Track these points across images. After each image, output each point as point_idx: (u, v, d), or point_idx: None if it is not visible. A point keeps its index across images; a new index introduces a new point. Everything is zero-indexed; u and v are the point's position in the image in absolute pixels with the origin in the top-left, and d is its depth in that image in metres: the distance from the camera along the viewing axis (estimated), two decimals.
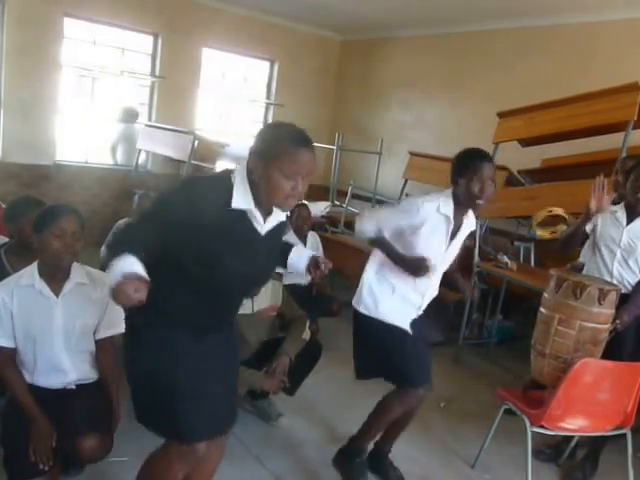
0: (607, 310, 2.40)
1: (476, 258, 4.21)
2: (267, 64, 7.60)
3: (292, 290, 3.33)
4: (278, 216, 1.72)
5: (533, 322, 2.60)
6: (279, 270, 3.95)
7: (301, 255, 1.96)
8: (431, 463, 2.85)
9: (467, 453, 2.95)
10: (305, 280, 4.23)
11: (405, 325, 2.38)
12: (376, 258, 2.44)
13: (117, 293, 1.38)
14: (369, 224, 2.41)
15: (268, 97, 7.69)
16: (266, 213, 1.68)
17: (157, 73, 6.60)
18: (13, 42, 5.66)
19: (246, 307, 2.77)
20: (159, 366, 1.67)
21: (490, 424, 2.75)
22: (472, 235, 4.51)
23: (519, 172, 4.87)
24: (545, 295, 2.54)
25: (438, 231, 2.30)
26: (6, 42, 5.66)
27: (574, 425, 2.51)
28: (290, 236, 4.23)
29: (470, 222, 2.42)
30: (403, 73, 6.99)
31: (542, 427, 2.46)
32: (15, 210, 2.63)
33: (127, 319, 1.78)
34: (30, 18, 5.66)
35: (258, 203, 1.63)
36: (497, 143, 4.37)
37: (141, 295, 1.39)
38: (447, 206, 2.29)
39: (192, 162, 5.82)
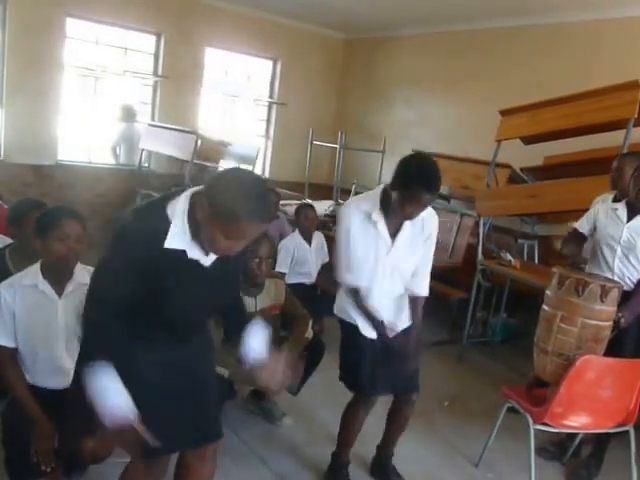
0: (609, 307, 2.40)
1: (479, 256, 4.21)
2: (270, 63, 7.60)
3: (296, 289, 3.33)
4: None
5: (537, 320, 2.60)
6: (283, 270, 4.03)
7: (257, 344, 1.82)
8: (435, 462, 2.85)
9: (471, 451, 2.95)
10: (310, 280, 4.25)
11: (365, 329, 2.36)
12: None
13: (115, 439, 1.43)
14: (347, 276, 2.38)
15: (271, 96, 7.69)
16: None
17: (160, 73, 6.61)
18: (15, 42, 5.67)
19: (249, 305, 2.77)
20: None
21: (494, 422, 2.75)
22: (474, 233, 4.54)
23: (522, 170, 4.86)
24: (548, 293, 2.54)
25: (372, 233, 2.27)
26: (8, 42, 5.67)
27: (577, 422, 2.51)
28: (295, 236, 4.25)
29: (424, 219, 2.30)
30: (406, 71, 6.98)
31: (545, 424, 2.46)
32: (18, 213, 2.64)
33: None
34: (32, 18, 5.67)
35: (197, 239, 1.56)
36: (499, 141, 4.37)
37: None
38: (371, 208, 2.25)
39: (195, 161, 5.83)
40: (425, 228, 2.34)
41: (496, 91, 5.65)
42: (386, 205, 2.24)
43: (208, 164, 5.98)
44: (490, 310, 4.71)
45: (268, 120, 7.78)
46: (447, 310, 4.93)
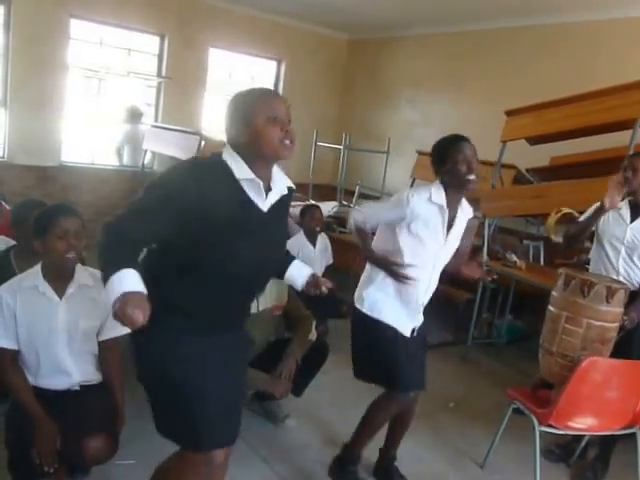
0: (615, 308, 2.38)
1: (485, 257, 4.18)
2: (274, 64, 7.61)
3: (300, 291, 3.32)
4: (279, 189, 1.65)
5: (543, 321, 2.58)
6: None
7: (301, 271, 1.92)
8: (440, 463, 2.83)
9: (476, 453, 2.93)
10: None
11: (403, 327, 2.32)
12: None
13: (121, 317, 1.34)
14: (357, 215, 2.41)
15: None
16: (266, 187, 1.61)
17: (163, 74, 6.62)
18: (19, 43, 5.69)
19: (251, 306, 2.76)
20: (173, 372, 1.59)
21: (499, 424, 2.73)
22: (479, 233, 4.52)
23: (527, 170, 4.84)
24: (553, 293, 2.52)
25: (433, 222, 2.23)
26: (12, 44, 5.69)
27: (582, 424, 2.49)
28: (300, 237, 4.23)
29: (466, 211, 2.36)
30: (410, 72, 6.96)
31: (550, 426, 2.44)
32: (20, 215, 2.65)
33: None
34: (36, 19, 5.69)
35: (256, 172, 1.57)
36: (505, 141, 4.34)
37: (145, 318, 1.35)
38: (439, 195, 2.23)
39: None
40: (464, 224, 2.40)
41: (500, 91, 5.64)
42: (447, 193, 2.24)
43: None
44: (495, 311, 4.68)
45: None
46: (452, 311, 4.90)
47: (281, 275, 1.91)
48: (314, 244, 4.24)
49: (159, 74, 6.65)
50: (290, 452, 2.77)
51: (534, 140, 4.49)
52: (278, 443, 2.84)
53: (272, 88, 1.72)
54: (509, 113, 4.35)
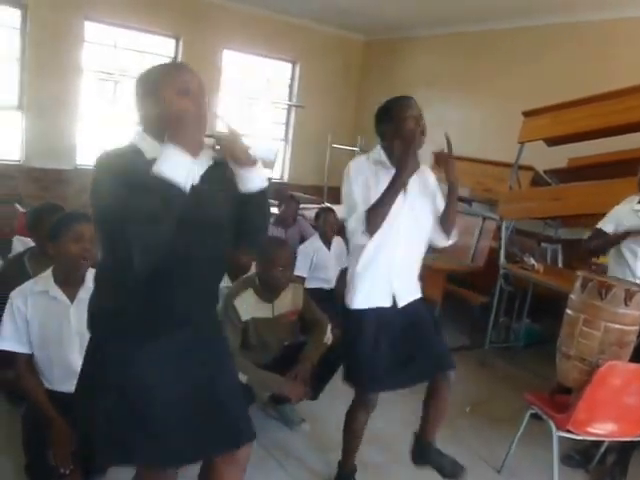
0: (634, 311, 2.33)
1: (502, 260, 4.14)
2: (289, 65, 7.61)
3: (315, 294, 3.31)
4: (201, 162, 1.53)
5: (561, 325, 2.54)
6: (301, 274, 4.01)
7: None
8: None
9: (494, 458, 2.90)
10: (329, 285, 4.22)
11: (379, 299, 2.21)
12: (352, 255, 2.30)
13: None
14: (352, 224, 2.22)
15: (290, 99, 7.69)
16: None
17: None
18: (35, 47, 5.75)
19: (266, 311, 2.76)
20: (112, 387, 1.45)
21: (517, 429, 2.70)
22: (496, 236, 4.47)
23: (545, 172, 4.77)
24: (571, 296, 2.49)
25: (382, 182, 2.12)
26: (28, 47, 5.75)
27: (601, 430, 2.44)
28: (315, 240, 4.22)
29: (423, 169, 2.26)
30: (425, 72, 6.93)
31: (568, 432, 2.40)
32: (35, 218, 2.68)
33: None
34: (51, 23, 5.74)
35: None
36: (523, 142, 4.29)
37: None
38: (377, 154, 2.21)
39: None
40: (429, 183, 2.31)
41: (517, 91, 5.58)
42: (390, 160, 2.19)
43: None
44: (513, 315, 4.63)
45: (287, 123, 7.79)
46: (468, 315, 4.86)
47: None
48: (329, 247, 4.23)
49: None
50: (305, 456, 2.76)
51: (552, 141, 4.42)
52: (293, 447, 2.83)
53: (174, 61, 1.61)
54: (527, 114, 4.30)
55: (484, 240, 4.76)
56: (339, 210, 5.48)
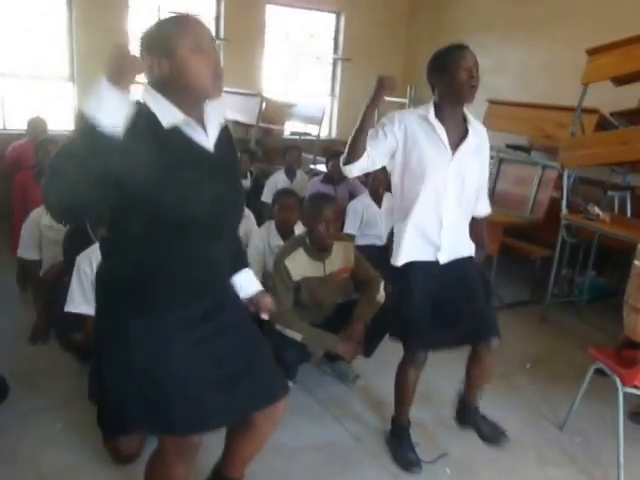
0: None
1: (564, 210, 3.94)
2: (333, 17, 7.37)
3: (367, 251, 3.25)
4: (216, 121, 1.47)
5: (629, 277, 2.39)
6: (351, 231, 3.95)
7: (249, 283, 1.75)
8: (518, 425, 2.73)
9: (555, 415, 2.83)
10: (381, 241, 4.16)
11: (426, 253, 2.18)
12: (395, 202, 2.28)
13: None
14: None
15: (335, 52, 7.49)
16: (200, 124, 1.42)
17: (221, 35, 6.54)
18: (83, 17, 5.77)
19: (317, 270, 2.72)
20: (140, 357, 1.41)
21: (580, 385, 2.61)
22: (557, 185, 4.24)
23: (612, 114, 4.45)
24: (639, 246, 2.32)
25: (428, 136, 2.09)
26: (76, 18, 5.78)
27: None
28: (365, 197, 4.15)
29: (478, 129, 2.21)
30: (481, 15, 6.57)
31: (635, 387, 2.32)
32: None
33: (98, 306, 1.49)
34: None
35: (186, 113, 1.38)
36: (586, 84, 3.99)
37: None
38: (424, 109, 2.12)
39: (260, 124, 5.77)
40: (483, 149, 2.23)
41: (582, 32, 5.18)
42: (441, 115, 2.11)
43: (273, 127, 5.91)
44: (576, 268, 4.44)
45: (333, 78, 7.61)
46: (528, 269, 4.71)
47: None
48: (380, 204, 4.14)
49: (217, 36, 6.57)
50: (361, 411, 2.77)
51: (621, 80, 4.10)
52: (349, 403, 2.84)
53: (184, 13, 1.51)
54: (591, 52, 3.98)
55: (544, 190, 4.53)
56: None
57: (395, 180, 2.20)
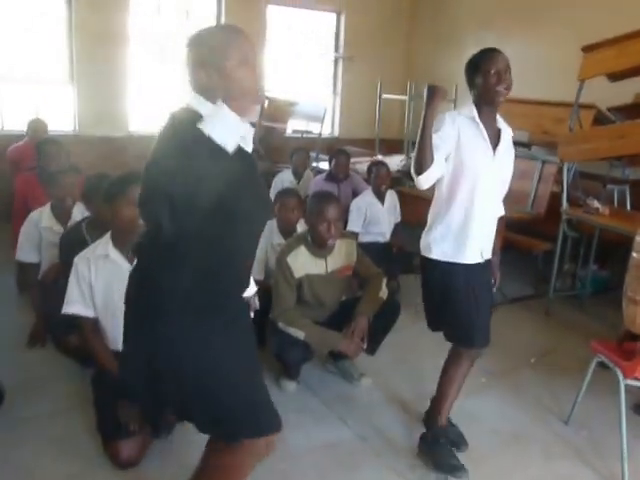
0: None
1: (564, 204, 3.95)
2: (333, 16, 7.38)
3: (370, 248, 3.27)
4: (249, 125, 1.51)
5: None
6: (355, 229, 3.97)
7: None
8: (523, 419, 2.74)
9: (560, 409, 2.83)
10: (384, 238, 4.18)
11: (468, 259, 2.21)
12: (435, 201, 2.29)
13: None
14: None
15: (336, 50, 7.50)
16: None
17: None
18: (81, 17, 5.77)
19: (319, 268, 2.75)
20: (222, 363, 1.47)
21: (584, 378, 2.62)
22: (557, 179, 4.25)
23: (609, 109, 4.46)
24: (637, 238, 2.34)
25: (475, 136, 2.15)
26: (75, 18, 5.78)
27: None
28: (368, 194, 4.17)
29: (506, 128, 2.28)
30: (478, 11, 6.59)
31: (636, 379, 2.32)
32: (88, 189, 2.75)
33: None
34: None
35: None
36: (583, 80, 4.00)
37: None
38: (469, 110, 2.17)
39: (263, 123, 5.78)
40: (510, 148, 2.31)
41: (578, 28, 5.19)
42: (479, 116, 2.17)
43: (276, 125, 5.91)
44: (578, 262, 4.45)
45: (335, 76, 7.62)
46: (531, 263, 4.72)
47: None
48: (382, 201, 4.16)
49: None
50: (366, 411, 2.76)
51: (616, 76, 4.11)
52: (354, 402, 2.84)
53: (229, 24, 1.57)
54: (587, 49, 3.99)
55: (544, 185, 4.55)
56: (391, 161, 5.39)
57: (444, 180, 2.20)
